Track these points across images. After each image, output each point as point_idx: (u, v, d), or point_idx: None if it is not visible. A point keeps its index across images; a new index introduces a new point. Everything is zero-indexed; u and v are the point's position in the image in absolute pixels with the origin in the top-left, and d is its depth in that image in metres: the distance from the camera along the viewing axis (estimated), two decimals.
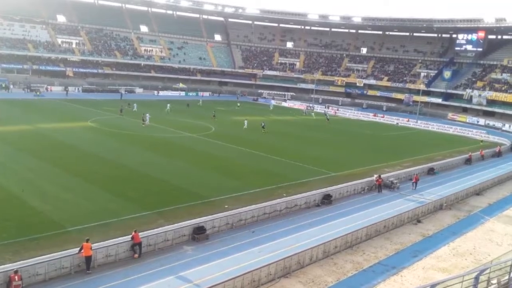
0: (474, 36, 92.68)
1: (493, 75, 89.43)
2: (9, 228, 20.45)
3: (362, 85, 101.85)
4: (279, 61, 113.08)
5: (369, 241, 23.39)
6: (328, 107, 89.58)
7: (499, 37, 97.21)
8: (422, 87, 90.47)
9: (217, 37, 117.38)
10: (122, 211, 23.57)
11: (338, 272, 19.52)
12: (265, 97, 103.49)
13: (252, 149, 42.53)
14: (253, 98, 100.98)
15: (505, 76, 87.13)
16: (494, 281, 13.16)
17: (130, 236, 19.15)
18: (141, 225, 21.18)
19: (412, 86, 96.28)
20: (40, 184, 27.11)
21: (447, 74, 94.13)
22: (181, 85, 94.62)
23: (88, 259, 17.57)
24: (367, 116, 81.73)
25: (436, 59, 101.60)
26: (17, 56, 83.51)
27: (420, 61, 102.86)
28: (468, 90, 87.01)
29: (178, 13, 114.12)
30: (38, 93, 74.73)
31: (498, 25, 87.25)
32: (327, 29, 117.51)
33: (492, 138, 64.64)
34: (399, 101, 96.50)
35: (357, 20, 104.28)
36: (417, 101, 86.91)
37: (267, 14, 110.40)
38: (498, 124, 78.43)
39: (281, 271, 18.65)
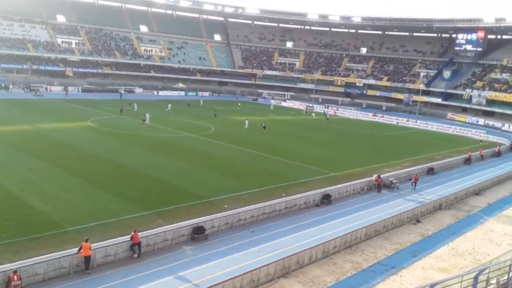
0: (473, 36, 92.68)
1: (493, 75, 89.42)
2: (8, 228, 20.48)
3: (361, 85, 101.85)
4: (279, 61, 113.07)
5: (369, 241, 23.42)
6: (327, 107, 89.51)
7: (499, 37, 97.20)
8: (422, 87, 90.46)
9: (217, 37, 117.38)
10: (121, 211, 23.60)
11: (338, 272, 19.54)
12: (264, 97, 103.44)
13: (252, 149, 42.56)
14: (252, 98, 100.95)
15: (505, 76, 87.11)
16: (493, 281, 13.15)
17: (130, 236, 19.16)
18: (140, 225, 21.21)
19: (411, 86, 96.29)
20: (40, 184, 27.13)
21: (446, 74, 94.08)
22: (180, 85, 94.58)
23: (87, 259, 17.59)
24: (367, 116, 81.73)
25: (436, 59, 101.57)
26: (16, 56, 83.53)
27: (419, 61, 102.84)
28: (468, 90, 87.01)
29: (178, 13, 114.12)
30: (37, 93, 74.79)
31: (497, 25, 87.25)
32: (327, 29, 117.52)
33: (492, 138, 64.66)
34: (399, 101, 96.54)
35: (356, 20, 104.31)
36: (417, 101, 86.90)
37: (267, 14, 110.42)
38: (497, 124, 78.43)
39: (280, 271, 18.67)
